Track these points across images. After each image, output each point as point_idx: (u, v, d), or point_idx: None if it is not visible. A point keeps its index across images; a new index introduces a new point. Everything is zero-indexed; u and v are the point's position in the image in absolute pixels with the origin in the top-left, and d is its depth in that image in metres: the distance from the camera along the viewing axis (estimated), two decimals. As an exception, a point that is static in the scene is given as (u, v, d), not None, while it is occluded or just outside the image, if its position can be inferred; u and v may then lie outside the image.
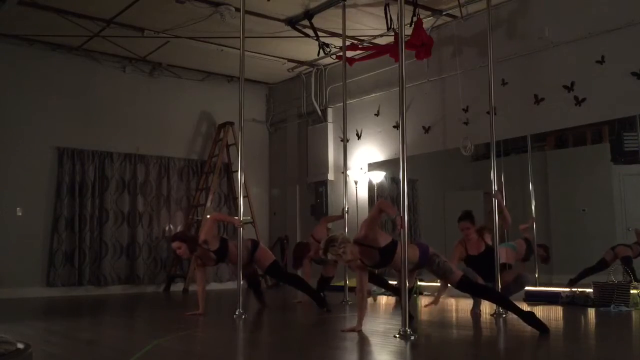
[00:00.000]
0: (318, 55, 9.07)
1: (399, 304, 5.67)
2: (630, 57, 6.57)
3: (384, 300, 7.74)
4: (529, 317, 4.37)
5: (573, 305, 5.95)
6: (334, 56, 9.50)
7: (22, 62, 9.06)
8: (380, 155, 9.38)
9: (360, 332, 4.55)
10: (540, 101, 7.36)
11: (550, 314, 5.74)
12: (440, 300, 5.61)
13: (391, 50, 7.94)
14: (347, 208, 7.62)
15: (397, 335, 4.22)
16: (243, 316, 5.63)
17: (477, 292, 4.99)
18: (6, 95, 8.89)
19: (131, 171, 9.88)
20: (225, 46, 9.20)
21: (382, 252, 4.50)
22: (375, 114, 9.43)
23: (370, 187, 9.50)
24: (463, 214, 5.89)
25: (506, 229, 6.15)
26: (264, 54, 9.70)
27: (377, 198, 9.45)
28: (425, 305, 5.82)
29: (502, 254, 5.96)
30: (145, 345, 3.99)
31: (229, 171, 10.66)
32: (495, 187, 6.02)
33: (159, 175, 10.16)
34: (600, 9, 6.89)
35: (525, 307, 6.28)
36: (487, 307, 5.92)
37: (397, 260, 4.49)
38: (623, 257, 6.49)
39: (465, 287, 4.65)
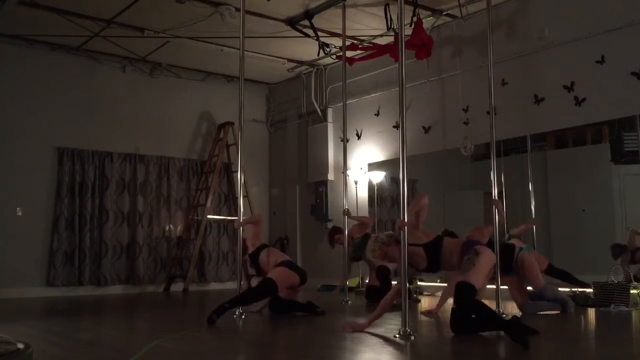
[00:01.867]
0: (318, 55, 9.08)
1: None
2: (630, 57, 6.57)
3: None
4: (514, 332, 3.97)
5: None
6: (334, 56, 9.51)
7: (22, 62, 9.06)
8: (380, 155, 9.38)
9: (363, 332, 4.55)
10: (540, 101, 7.36)
11: (550, 314, 5.74)
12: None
13: (391, 50, 7.95)
14: (347, 208, 7.61)
15: (397, 335, 4.22)
16: (243, 316, 5.63)
17: (459, 302, 4.32)
18: (6, 95, 8.89)
19: (131, 171, 9.88)
20: (225, 46, 9.20)
21: (427, 249, 4.49)
22: (375, 114, 9.43)
23: (370, 187, 9.50)
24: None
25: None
26: (264, 54, 9.70)
27: (377, 198, 9.46)
28: (423, 312, 5.80)
29: (540, 261, 5.98)
30: (145, 345, 3.99)
31: (229, 171, 10.66)
32: (495, 188, 6.01)
33: (159, 175, 10.16)
34: (600, 9, 6.90)
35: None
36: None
37: (447, 259, 4.43)
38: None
39: (457, 292, 4.24)
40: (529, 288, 6.10)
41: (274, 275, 5.75)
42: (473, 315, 4.23)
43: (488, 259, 4.31)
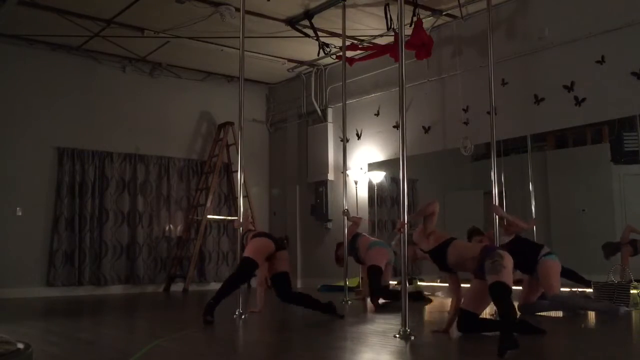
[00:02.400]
0: (318, 55, 9.08)
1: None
2: (630, 57, 6.57)
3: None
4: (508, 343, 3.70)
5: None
6: (334, 56, 9.51)
7: (22, 62, 9.06)
8: (380, 155, 9.38)
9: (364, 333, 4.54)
10: (540, 101, 7.36)
11: (551, 314, 5.75)
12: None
13: (391, 50, 7.95)
14: (347, 209, 7.61)
15: (397, 335, 4.23)
16: (243, 316, 5.63)
17: (499, 301, 4.10)
18: (6, 95, 8.89)
19: (131, 171, 9.87)
20: (225, 46, 9.20)
21: (431, 255, 4.54)
22: (375, 114, 9.43)
23: (370, 187, 9.50)
24: (469, 232, 5.98)
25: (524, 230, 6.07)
26: (264, 54, 9.70)
27: (377, 198, 9.47)
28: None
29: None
30: (145, 345, 3.99)
31: (229, 171, 10.66)
32: (495, 188, 6.01)
33: (159, 175, 10.16)
34: (600, 9, 6.90)
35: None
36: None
37: (456, 262, 4.42)
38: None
39: (495, 291, 4.10)
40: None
41: (247, 252, 5.64)
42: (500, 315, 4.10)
43: (511, 262, 4.24)
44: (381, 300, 6.86)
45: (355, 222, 7.55)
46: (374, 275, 6.91)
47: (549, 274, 5.65)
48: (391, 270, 7.31)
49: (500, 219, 5.87)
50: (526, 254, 5.67)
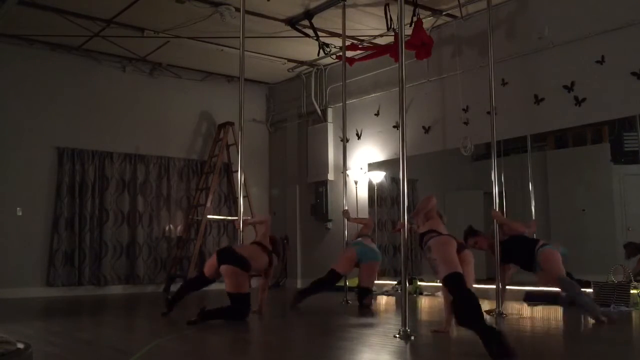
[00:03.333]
0: (318, 55, 9.08)
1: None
2: (630, 57, 6.57)
3: (384, 300, 7.73)
4: (491, 338, 3.50)
5: (573, 305, 5.93)
6: (334, 56, 9.50)
7: (22, 62, 9.06)
8: (380, 155, 9.38)
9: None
10: (540, 101, 7.36)
11: (550, 314, 5.75)
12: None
13: (391, 50, 7.95)
14: (347, 209, 7.61)
15: (397, 335, 4.23)
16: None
17: (456, 293, 3.97)
18: (6, 95, 8.89)
19: (131, 171, 9.87)
20: (225, 46, 9.20)
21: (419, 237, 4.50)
22: (375, 114, 9.43)
23: (370, 187, 9.50)
24: (464, 234, 5.91)
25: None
26: (264, 54, 9.70)
27: (377, 198, 9.47)
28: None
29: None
30: (145, 345, 3.99)
31: (229, 171, 10.66)
32: (495, 188, 6.01)
33: (159, 175, 10.16)
34: (600, 9, 6.90)
35: (525, 307, 6.28)
36: (487, 306, 5.91)
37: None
38: None
39: (448, 284, 4.07)
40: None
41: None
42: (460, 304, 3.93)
43: (439, 245, 4.18)
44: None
45: (367, 224, 7.34)
46: (326, 278, 6.77)
47: (551, 261, 5.51)
48: (373, 271, 6.95)
49: (500, 224, 5.85)
50: (523, 250, 5.67)
